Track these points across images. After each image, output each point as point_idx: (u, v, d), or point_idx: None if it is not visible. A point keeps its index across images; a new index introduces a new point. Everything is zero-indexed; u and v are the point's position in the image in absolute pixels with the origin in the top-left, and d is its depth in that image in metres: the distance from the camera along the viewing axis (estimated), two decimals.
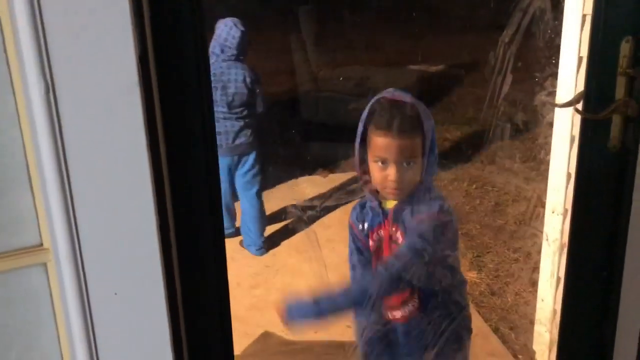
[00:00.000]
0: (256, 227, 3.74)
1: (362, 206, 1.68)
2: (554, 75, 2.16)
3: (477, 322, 2.83)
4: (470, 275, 3.34)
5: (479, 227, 3.94)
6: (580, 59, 2.11)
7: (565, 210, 2.29)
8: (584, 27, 2.07)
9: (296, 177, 4.81)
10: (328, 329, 1.96)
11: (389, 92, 1.58)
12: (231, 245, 3.70)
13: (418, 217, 1.56)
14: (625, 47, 1.33)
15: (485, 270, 3.44)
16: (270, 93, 6.73)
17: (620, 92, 1.36)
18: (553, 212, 2.38)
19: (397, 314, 1.70)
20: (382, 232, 1.64)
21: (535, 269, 2.74)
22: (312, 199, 4.43)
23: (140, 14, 1.05)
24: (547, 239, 2.41)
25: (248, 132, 3.58)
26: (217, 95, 3.42)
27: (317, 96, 6.07)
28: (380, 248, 1.66)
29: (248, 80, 3.48)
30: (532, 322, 2.60)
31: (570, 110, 2.18)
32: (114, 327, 1.13)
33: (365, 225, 1.68)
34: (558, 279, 2.36)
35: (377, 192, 1.61)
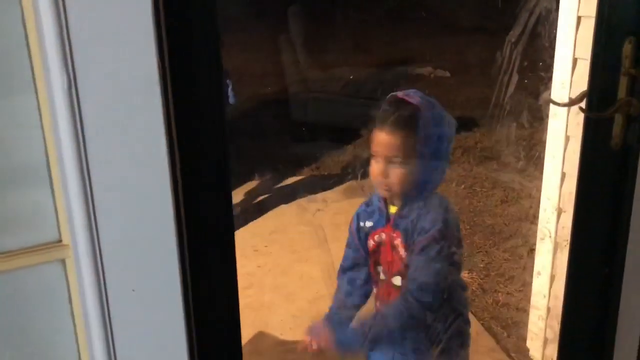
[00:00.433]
0: None
1: (367, 204, 1.69)
2: None
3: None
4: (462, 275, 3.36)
5: (468, 228, 3.97)
6: (575, 60, 2.14)
7: (560, 209, 2.32)
8: (579, 29, 2.11)
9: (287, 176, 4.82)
10: None
11: (402, 92, 1.58)
12: None
13: (419, 242, 1.53)
14: (627, 48, 1.37)
15: (476, 269, 3.47)
16: (260, 94, 6.75)
17: (622, 91, 1.39)
18: (546, 211, 2.41)
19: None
20: (383, 236, 1.64)
21: (527, 267, 2.77)
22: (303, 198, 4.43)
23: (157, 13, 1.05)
24: (541, 238, 2.45)
25: None
26: None
27: (307, 97, 6.08)
28: (379, 251, 1.66)
29: None
30: (525, 321, 2.63)
31: (565, 109, 2.22)
32: (131, 324, 1.13)
33: (367, 224, 1.68)
34: (552, 276, 2.40)
35: None
